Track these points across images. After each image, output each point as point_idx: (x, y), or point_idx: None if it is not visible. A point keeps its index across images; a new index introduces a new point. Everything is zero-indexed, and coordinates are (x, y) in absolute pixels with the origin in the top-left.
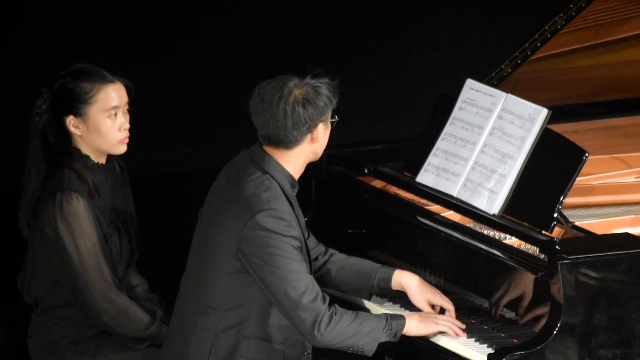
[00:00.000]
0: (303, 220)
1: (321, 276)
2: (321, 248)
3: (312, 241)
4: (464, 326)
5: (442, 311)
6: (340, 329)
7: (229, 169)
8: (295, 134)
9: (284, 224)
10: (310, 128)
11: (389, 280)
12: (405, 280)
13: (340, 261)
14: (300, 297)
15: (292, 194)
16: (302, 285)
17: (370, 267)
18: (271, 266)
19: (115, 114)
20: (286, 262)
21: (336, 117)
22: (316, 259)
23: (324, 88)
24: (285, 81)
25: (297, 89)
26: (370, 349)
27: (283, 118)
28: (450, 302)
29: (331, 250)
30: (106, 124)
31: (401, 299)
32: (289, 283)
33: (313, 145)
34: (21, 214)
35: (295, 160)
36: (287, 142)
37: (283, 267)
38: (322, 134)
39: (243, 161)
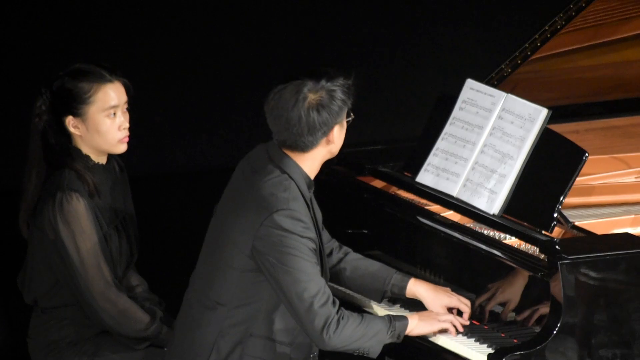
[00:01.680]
0: (320, 216)
1: (335, 274)
2: (334, 243)
3: (325, 235)
4: (466, 323)
5: (459, 312)
6: (348, 333)
7: (245, 165)
8: (311, 139)
9: (301, 225)
10: (326, 132)
11: (403, 287)
12: (419, 291)
13: (355, 261)
14: (312, 300)
15: (309, 194)
16: (315, 287)
17: (385, 272)
18: (285, 266)
19: (115, 114)
20: (300, 262)
21: (352, 115)
22: (330, 254)
23: (338, 91)
24: (300, 86)
25: (311, 93)
26: (375, 351)
27: (298, 124)
28: (467, 303)
29: (346, 248)
30: (105, 123)
31: (401, 299)
32: (302, 284)
33: (329, 146)
34: (21, 214)
35: (311, 161)
36: (303, 147)
37: (297, 268)
38: (337, 135)
39: (260, 158)
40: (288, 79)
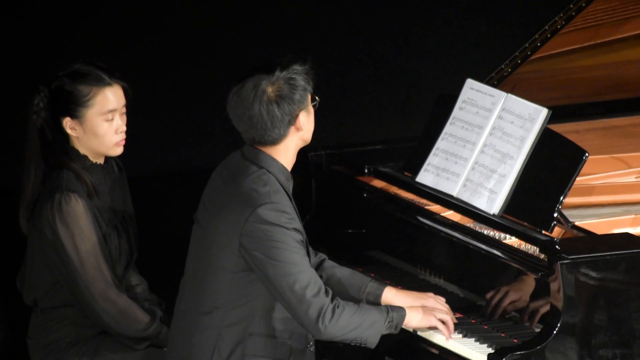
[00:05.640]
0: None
1: None
2: (310, 249)
3: None
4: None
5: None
6: (344, 322)
7: (221, 170)
8: (278, 132)
9: (285, 216)
10: (291, 121)
11: (378, 296)
12: (395, 301)
13: (330, 269)
14: (304, 291)
15: (289, 187)
16: (305, 278)
17: (360, 280)
18: (273, 260)
19: (112, 117)
20: (288, 254)
21: (317, 98)
22: None
23: (297, 78)
24: (256, 82)
25: (269, 86)
26: (373, 341)
27: (261, 120)
28: (440, 301)
29: (321, 255)
30: (103, 127)
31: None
32: (292, 276)
33: (299, 133)
34: (21, 211)
35: (285, 152)
36: (272, 141)
37: (285, 260)
38: (305, 121)
39: (236, 161)
40: (243, 77)
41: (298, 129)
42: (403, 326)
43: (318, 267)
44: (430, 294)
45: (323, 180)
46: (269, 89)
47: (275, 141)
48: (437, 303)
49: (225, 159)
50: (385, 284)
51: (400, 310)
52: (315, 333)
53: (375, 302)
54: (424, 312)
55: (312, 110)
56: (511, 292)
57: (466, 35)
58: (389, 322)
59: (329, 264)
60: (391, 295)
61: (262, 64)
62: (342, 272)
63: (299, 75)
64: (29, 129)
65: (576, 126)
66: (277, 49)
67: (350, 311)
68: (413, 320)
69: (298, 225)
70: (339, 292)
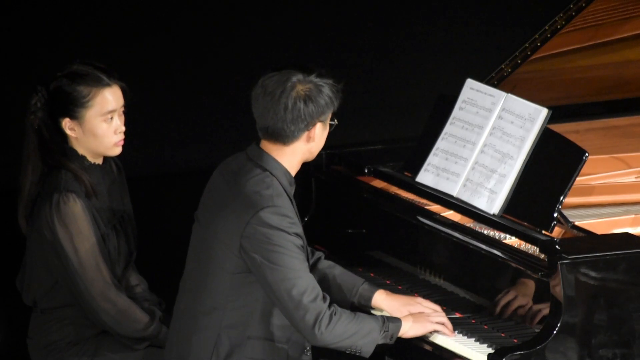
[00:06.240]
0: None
1: None
2: (308, 248)
3: None
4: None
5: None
6: (340, 329)
7: (223, 170)
8: (293, 129)
9: (287, 220)
10: (309, 125)
11: (369, 299)
12: (383, 304)
13: (324, 269)
14: (301, 296)
15: (291, 191)
16: (303, 284)
17: (352, 282)
18: (272, 264)
19: (112, 118)
20: (287, 259)
21: (335, 120)
22: None
23: (327, 88)
24: (289, 75)
25: (300, 84)
26: (367, 350)
27: (283, 111)
28: (435, 308)
29: (318, 253)
30: (102, 127)
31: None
32: (290, 281)
33: (309, 144)
34: (20, 210)
35: (291, 156)
36: (284, 137)
37: (284, 265)
38: (319, 134)
39: (238, 161)
40: (278, 68)
41: (310, 138)
42: (400, 336)
43: (313, 266)
44: (420, 298)
45: (323, 180)
46: (299, 86)
47: (286, 139)
48: (426, 308)
49: (227, 158)
50: (377, 288)
51: (396, 321)
52: (311, 339)
53: (366, 305)
54: (419, 321)
55: (328, 127)
56: (511, 292)
57: (466, 35)
58: (384, 332)
59: (325, 263)
60: (381, 299)
61: (300, 64)
62: (336, 272)
63: (330, 87)
64: (26, 129)
65: (576, 126)
66: (277, 49)
67: (347, 319)
68: (410, 330)
69: (299, 230)
70: (330, 292)
